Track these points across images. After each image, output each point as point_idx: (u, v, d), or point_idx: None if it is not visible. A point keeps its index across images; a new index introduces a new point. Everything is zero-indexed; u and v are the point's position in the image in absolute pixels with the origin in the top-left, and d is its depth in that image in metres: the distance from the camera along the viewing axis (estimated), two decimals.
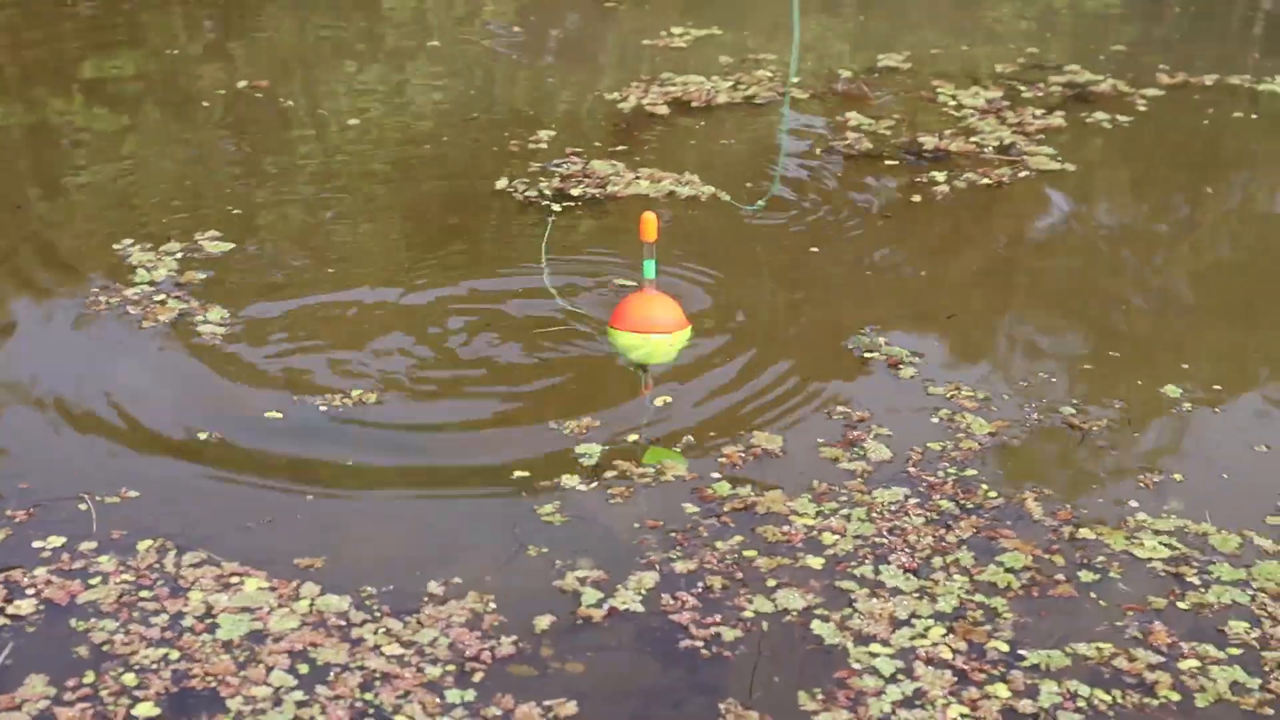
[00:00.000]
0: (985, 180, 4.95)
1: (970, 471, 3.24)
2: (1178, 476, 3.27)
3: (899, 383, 3.62)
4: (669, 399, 3.50)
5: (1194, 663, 2.72)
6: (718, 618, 2.77)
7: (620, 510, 3.06)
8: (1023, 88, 5.84)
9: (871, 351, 3.73)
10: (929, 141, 5.20)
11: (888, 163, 5.06)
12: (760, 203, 4.41)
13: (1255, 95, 5.92)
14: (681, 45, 6.41)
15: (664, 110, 5.54)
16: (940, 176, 4.93)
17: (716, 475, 3.20)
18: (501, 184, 4.76)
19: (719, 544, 2.97)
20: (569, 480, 3.15)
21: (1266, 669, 2.72)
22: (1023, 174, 5.02)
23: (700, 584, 2.86)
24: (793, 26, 4.08)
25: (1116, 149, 5.40)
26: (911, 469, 3.23)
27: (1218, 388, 3.65)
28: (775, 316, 4.06)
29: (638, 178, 4.78)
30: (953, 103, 5.67)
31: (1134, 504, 3.18)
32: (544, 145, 5.18)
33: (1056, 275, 4.43)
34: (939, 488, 3.16)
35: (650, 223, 3.69)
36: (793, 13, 4.08)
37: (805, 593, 2.84)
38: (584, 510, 3.06)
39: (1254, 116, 5.74)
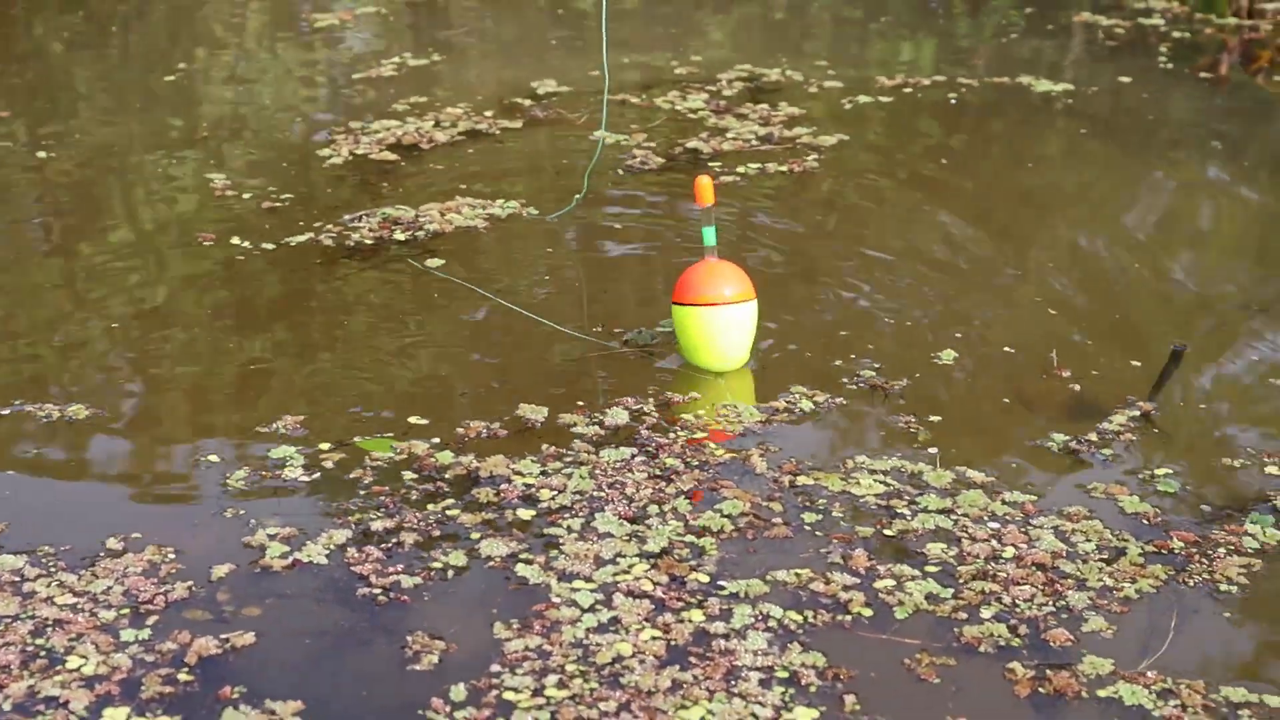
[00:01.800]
0: (790, 168, 5.06)
1: (700, 434, 3.30)
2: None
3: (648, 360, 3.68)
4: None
5: (890, 581, 2.80)
6: (399, 567, 2.79)
7: (331, 478, 3.09)
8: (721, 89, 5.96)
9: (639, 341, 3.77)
10: (702, 147, 5.30)
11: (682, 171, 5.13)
12: (576, 198, 4.42)
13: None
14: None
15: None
16: (745, 170, 5.03)
17: (437, 443, 3.23)
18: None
19: (429, 506, 2.99)
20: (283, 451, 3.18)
21: (960, 580, 2.80)
22: (811, 157, 5.13)
23: (393, 540, 2.88)
24: (602, 34, 4.16)
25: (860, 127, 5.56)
26: (644, 431, 3.28)
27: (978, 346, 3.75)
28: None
29: (453, 208, 4.65)
30: (678, 106, 5.75)
31: (859, 457, 3.24)
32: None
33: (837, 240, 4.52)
34: (668, 448, 3.22)
35: (707, 187, 3.48)
36: (602, 22, 4.16)
37: (510, 541, 2.87)
38: (290, 479, 3.08)
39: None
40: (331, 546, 2.84)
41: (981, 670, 2.58)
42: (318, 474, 3.11)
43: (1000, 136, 5.85)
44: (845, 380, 3.57)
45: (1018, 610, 2.72)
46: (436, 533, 2.91)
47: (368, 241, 4.34)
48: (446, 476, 3.10)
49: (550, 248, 4.43)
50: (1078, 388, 3.57)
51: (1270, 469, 3.22)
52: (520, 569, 2.78)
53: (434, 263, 4.16)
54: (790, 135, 5.42)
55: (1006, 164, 5.52)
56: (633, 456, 3.17)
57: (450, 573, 2.79)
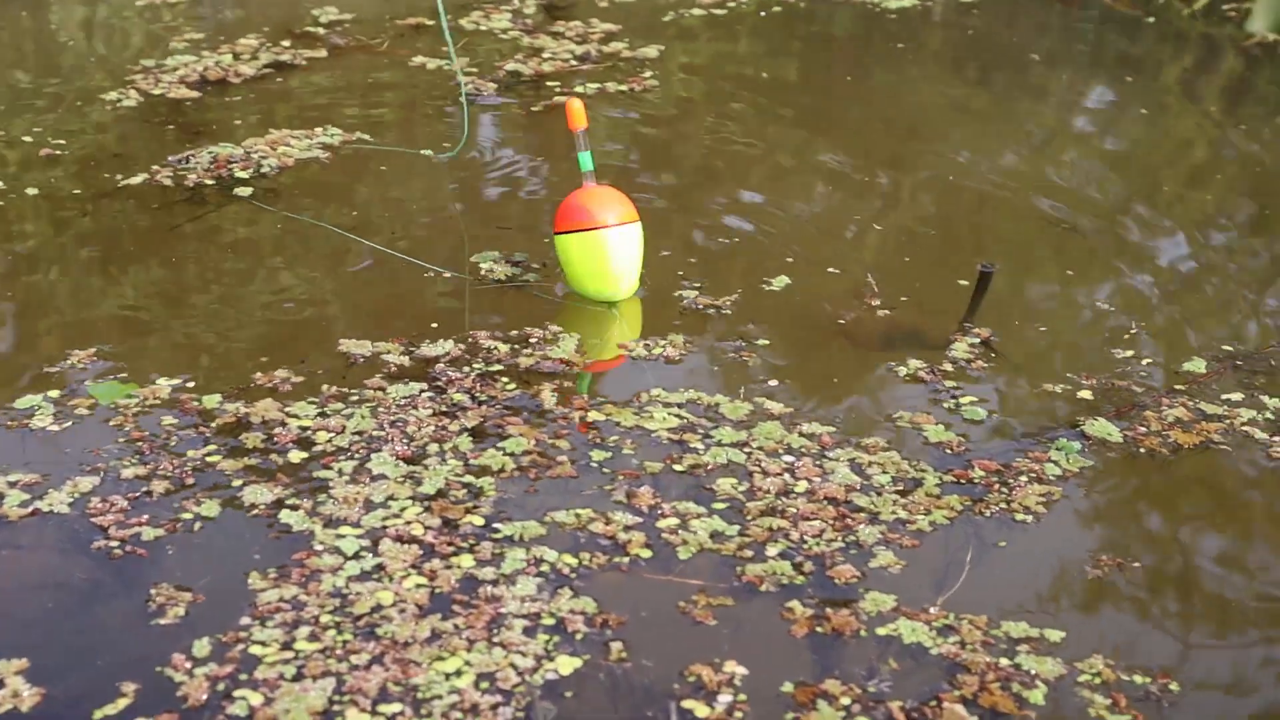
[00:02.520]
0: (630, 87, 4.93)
1: (497, 366, 3.16)
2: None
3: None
4: None
5: (674, 520, 2.68)
6: (144, 518, 2.63)
7: (82, 427, 2.91)
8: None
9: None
10: (522, 69, 5.14)
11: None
12: (454, 148, 4.19)
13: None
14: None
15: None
16: (584, 90, 4.89)
17: (193, 387, 3.06)
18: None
19: (189, 453, 2.83)
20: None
21: (748, 516, 2.70)
22: (647, 75, 5.00)
23: (143, 489, 2.71)
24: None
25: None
26: (442, 366, 3.13)
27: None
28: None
29: (279, 144, 4.40)
30: (484, 28, 5.58)
31: (655, 390, 3.11)
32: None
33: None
34: (458, 382, 3.07)
35: (578, 107, 3.35)
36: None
37: (275, 487, 2.72)
38: (39, 427, 2.91)
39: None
40: (76, 495, 2.67)
41: (761, 610, 2.48)
42: (70, 422, 2.93)
43: (831, 50, 5.72)
44: (680, 301, 3.44)
45: (805, 547, 2.63)
46: (189, 480, 2.73)
47: (208, 183, 4.09)
48: (213, 424, 2.91)
49: (408, 183, 4.24)
50: (888, 312, 3.45)
51: (1083, 393, 3.14)
52: (284, 515, 2.63)
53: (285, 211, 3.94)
54: (610, 51, 5.26)
55: (840, 78, 5.39)
56: (420, 392, 3.02)
57: (201, 523, 2.62)
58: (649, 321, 3.41)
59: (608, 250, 3.36)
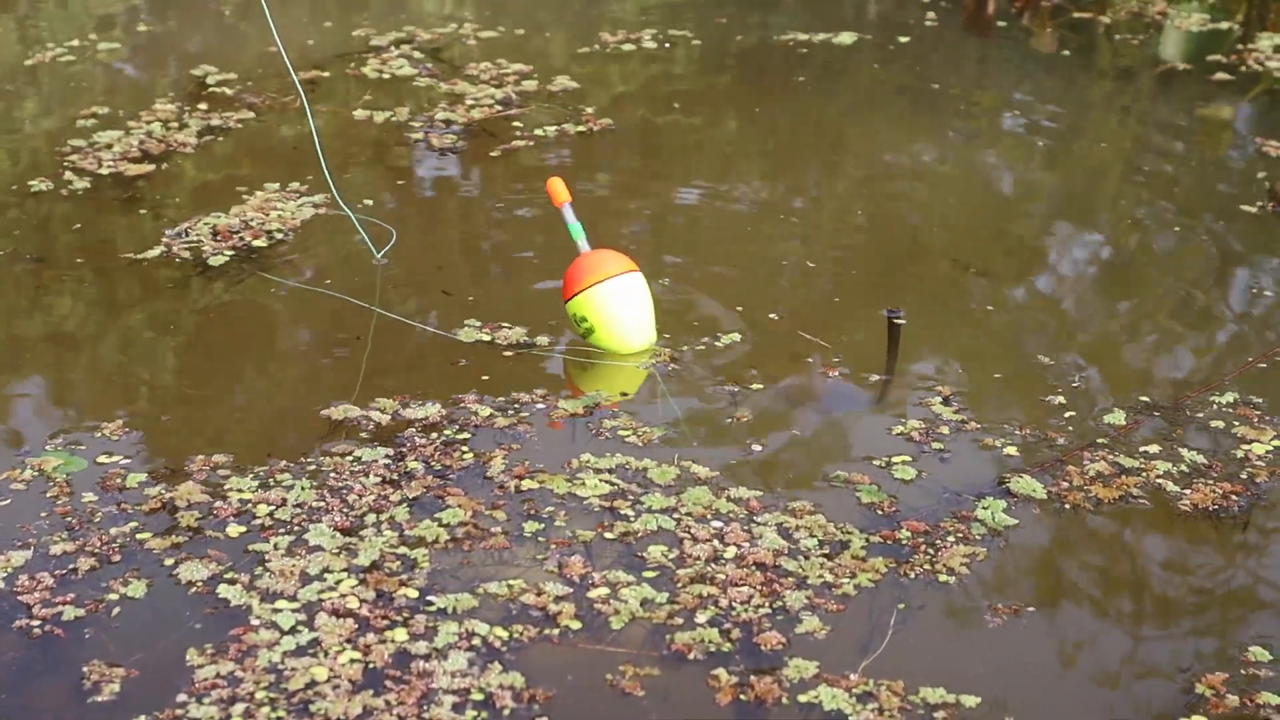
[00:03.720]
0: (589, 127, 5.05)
1: (461, 435, 3.21)
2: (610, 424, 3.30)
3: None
4: None
5: (604, 590, 2.74)
6: (69, 596, 2.69)
7: (19, 499, 2.97)
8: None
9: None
10: (454, 117, 5.20)
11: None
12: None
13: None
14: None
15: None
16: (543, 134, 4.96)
17: (127, 464, 3.12)
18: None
19: (113, 529, 2.88)
20: None
21: (678, 583, 2.76)
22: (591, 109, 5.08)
23: (69, 565, 2.77)
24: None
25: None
26: (411, 432, 3.19)
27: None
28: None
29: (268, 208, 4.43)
30: (388, 76, 5.66)
31: (584, 455, 3.17)
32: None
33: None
34: (420, 449, 3.13)
35: (559, 185, 3.57)
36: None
37: (210, 563, 2.78)
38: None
39: None
40: (9, 569, 2.73)
41: (687, 679, 2.54)
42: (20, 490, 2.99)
43: (784, 83, 5.81)
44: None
45: (733, 613, 2.69)
46: (116, 557, 2.79)
47: (226, 254, 4.12)
48: (149, 496, 2.97)
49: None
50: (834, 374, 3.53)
51: (1009, 449, 3.21)
52: (222, 590, 2.69)
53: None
54: (530, 92, 5.35)
55: (794, 113, 5.47)
56: (383, 460, 3.07)
57: (143, 598, 2.68)
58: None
59: (612, 302, 3.50)
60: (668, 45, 6.06)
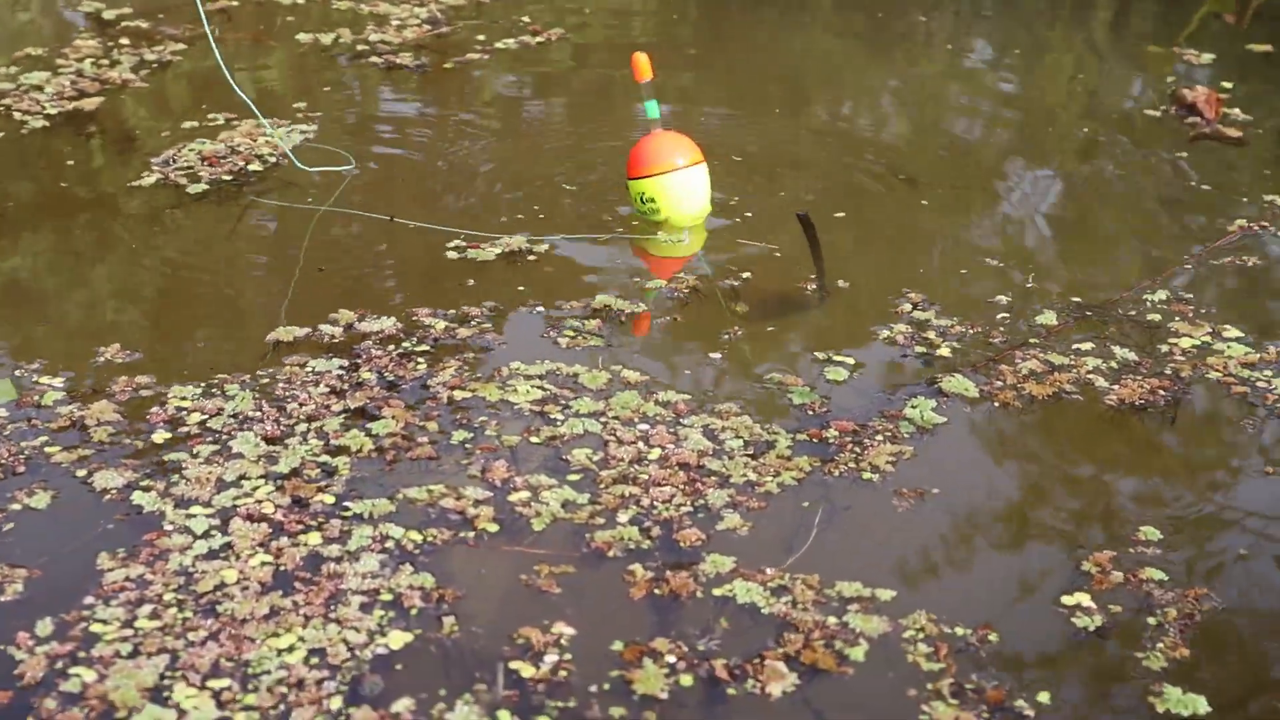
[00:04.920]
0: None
1: (412, 344, 3.19)
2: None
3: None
4: None
5: (525, 493, 2.72)
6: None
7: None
8: None
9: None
10: (389, 38, 5.16)
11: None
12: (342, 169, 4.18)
13: None
14: None
15: None
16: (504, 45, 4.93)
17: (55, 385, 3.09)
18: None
19: (32, 441, 2.86)
20: None
21: (600, 484, 2.74)
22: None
23: None
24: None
25: None
26: (369, 343, 3.16)
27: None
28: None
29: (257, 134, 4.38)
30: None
31: (516, 364, 3.15)
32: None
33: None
34: (376, 360, 3.10)
35: (644, 62, 3.60)
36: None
37: (125, 471, 2.76)
38: None
39: None
40: None
41: (604, 576, 2.53)
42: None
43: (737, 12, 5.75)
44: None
45: (655, 512, 2.67)
46: (20, 468, 2.77)
47: (226, 178, 4.10)
48: (60, 414, 2.95)
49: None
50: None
51: (944, 350, 3.18)
52: (136, 497, 2.67)
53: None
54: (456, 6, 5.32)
55: (752, 40, 5.41)
56: (338, 369, 3.07)
57: (50, 508, 2.67)
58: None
59: (678, 191, 3.66)
60: None
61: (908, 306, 3.36)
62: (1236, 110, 4.54)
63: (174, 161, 4.13)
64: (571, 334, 3.25)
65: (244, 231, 3.83)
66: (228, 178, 4.07)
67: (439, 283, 3.49)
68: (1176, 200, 4.01)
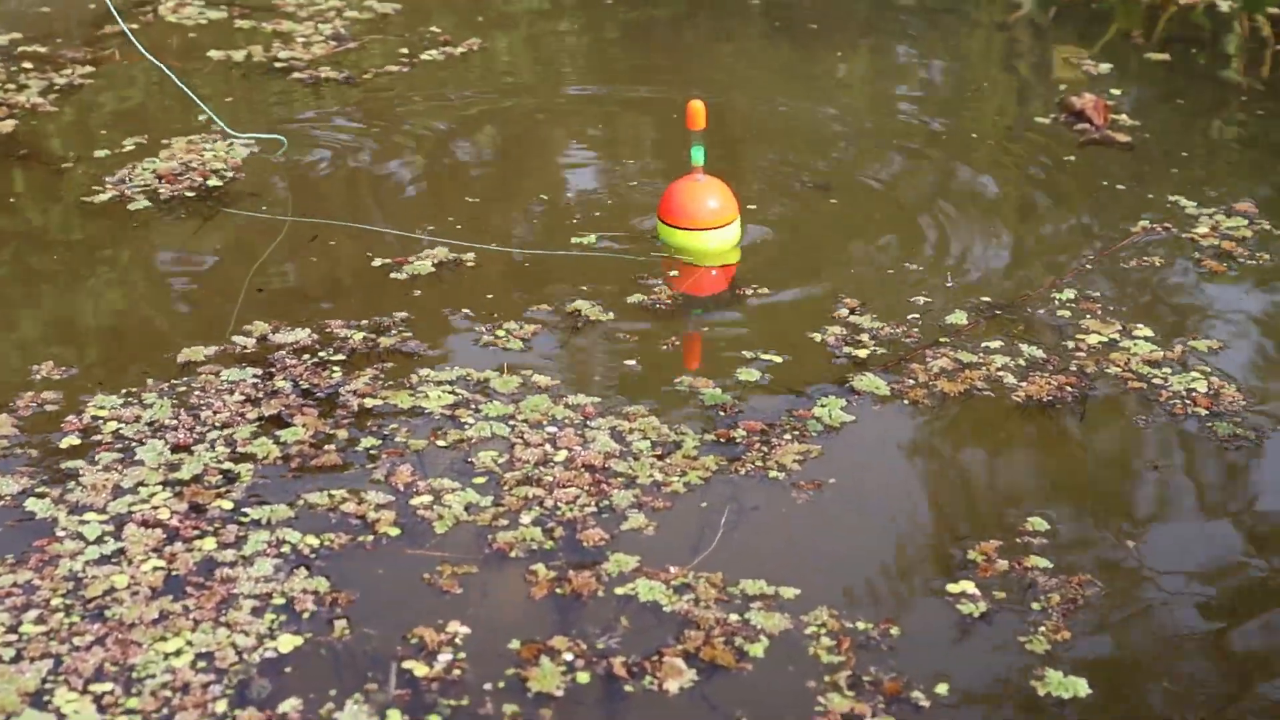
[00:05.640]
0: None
1: (331, 355, 3.15)
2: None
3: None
4: None
5: (428, 497, 2.68)
6: None
7: None
8: None
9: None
10: (298, 54, 5.13)
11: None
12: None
13: None
14: None
15: None
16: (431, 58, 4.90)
17: None
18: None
19: None
20: None
21: (505, 486, 2.70)
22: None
23: None
24: None
25: None
26: (281, 353, 3.12)
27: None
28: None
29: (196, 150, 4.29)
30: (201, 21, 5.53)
31: (424, 370, 3.11)
32: None
33: None
34: (290, 369, 3.06)
35: (699, 110, 3.51)
36: None
37: (20, 478, 2.71)
38: None
39: None
40: None
41: (506, 576, 2.49)
42: None
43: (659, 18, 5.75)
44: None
45: (558, 513, 2.63)
46: None
47: (188, 195, 4.01)
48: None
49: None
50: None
51: (858, 352, 3.16)
52: (30, 504, 2.62)
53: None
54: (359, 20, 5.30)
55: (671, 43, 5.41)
56: (254, 378, 3.03)
57: None
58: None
59: (706, 244, 3.59)
60: None
61: (844, 311, 3.33)
62: (1124, 116, 4.55)
63: (129, 180, 4.02)
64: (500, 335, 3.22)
65: (208, 244, 3.76)
66: (190, 194, 3.98)
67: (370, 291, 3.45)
68: (1075, 202, 4.01)
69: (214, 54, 5.11)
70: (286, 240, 3.74)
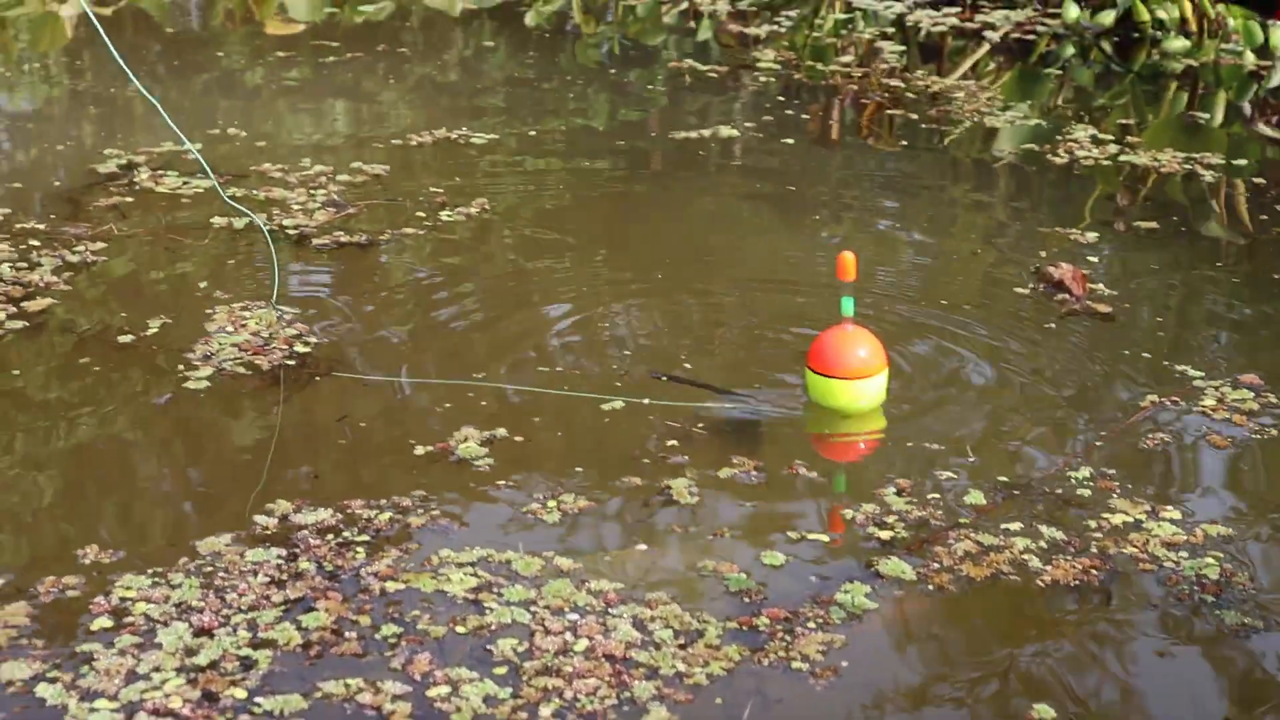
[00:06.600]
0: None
1: (354, 534, 3.13)
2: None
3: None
4: None
5: (445, 688, 2.64)
6: None
7: None
8: None
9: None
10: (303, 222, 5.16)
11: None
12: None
13: None
14: None
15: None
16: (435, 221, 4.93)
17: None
18: None
19: None
20: None
21: (524, 677, 2.66)
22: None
23: None
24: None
25: None
26: (308, 533, 3.10)
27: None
28: None
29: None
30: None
31: (444, 550, 3.08)
32: None
33: None
34: (314, 550, 3.04)
35: (850, 262, 3.58)
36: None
37: (34, 662, 2.69)
38: None
39: None
40: None
41: None
42: None
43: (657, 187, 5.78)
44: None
45: (578, 705, 2.59)
46: None
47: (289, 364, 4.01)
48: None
49: None
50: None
51: (882, 534, 3.13)
52: (41, 689, 2.59)
53: None
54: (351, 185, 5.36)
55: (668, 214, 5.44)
56: (277, 559, 3.01)
57: None
58: None
59: (855, 396, 3.62)
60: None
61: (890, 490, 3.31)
62: (1101, 286, 4.54)
63: (215, 357, 3.96)
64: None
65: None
66: (291, 361, 3.98)
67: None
68: (1072, 376, 3.97)
69: (216, 221, 5.09)
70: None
